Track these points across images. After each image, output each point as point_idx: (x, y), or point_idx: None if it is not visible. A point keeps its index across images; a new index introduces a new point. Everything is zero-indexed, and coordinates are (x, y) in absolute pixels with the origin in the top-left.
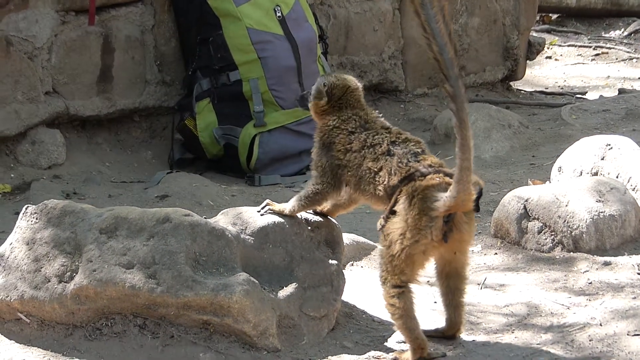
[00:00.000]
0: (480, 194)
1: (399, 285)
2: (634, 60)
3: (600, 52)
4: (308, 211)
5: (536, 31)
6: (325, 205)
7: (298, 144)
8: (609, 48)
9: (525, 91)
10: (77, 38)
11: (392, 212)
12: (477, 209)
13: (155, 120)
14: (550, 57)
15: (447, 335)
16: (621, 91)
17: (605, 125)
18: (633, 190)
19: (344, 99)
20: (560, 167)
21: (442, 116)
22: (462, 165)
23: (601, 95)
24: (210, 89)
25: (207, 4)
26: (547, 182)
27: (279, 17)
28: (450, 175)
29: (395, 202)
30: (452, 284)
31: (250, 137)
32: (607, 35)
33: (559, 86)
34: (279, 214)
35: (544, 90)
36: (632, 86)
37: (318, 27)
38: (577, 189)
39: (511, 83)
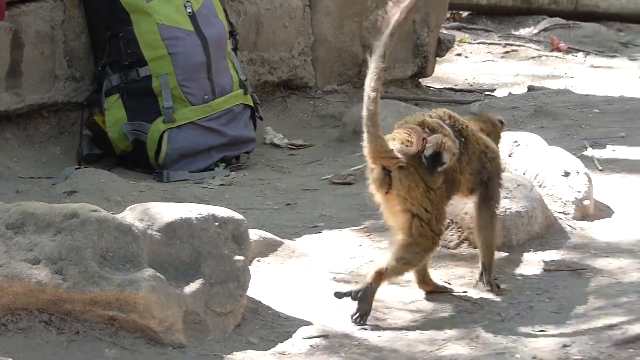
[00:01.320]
0: (436, 155)
1: None
2: (543, 57)
3: (510, 49)
4: None
5: (446, 28)
6: None
7: (207, 140)
8: (519, 46)
9: (434, 88)
10: None
11: None
12: (430, 170)
13: (64, 115)
14: (460, 55)
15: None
16: (530, 88)
17: (514, 122)
18: (540, 186)
19: None
20: None
21: (351, 113)
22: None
23: (510, 93)
24: (120, 85)
25: (117, 0)
26: None
27: (189, 12)
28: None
29: None
30: None
31: (159, 133)
32: (517, 33)
33: (468, 83)
34: None
35: (454, 87)
36: (541, 84)
37: (228, 23)
38: None
39: (420, 80)
